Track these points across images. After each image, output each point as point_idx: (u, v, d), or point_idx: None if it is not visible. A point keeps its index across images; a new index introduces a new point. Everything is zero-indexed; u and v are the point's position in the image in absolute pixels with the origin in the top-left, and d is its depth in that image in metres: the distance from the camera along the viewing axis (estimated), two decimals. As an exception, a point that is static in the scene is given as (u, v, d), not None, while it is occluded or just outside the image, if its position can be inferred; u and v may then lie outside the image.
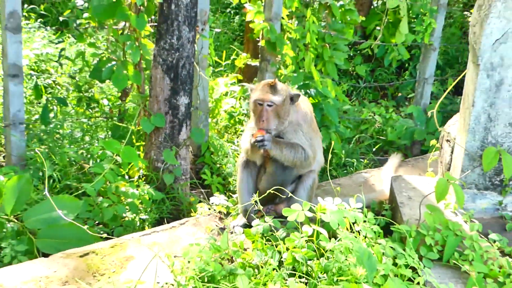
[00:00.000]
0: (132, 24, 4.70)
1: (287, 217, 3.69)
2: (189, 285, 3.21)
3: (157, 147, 5.01)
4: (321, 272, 3.44)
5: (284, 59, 6.35)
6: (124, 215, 4.60)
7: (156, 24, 4.89)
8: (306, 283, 3.41)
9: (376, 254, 3.41)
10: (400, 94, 9.21)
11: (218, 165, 5.82)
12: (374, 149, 7.22)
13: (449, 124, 4.67)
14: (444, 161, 4.59)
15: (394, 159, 5.87)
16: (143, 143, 5.20)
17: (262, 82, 4.28)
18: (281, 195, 4.06)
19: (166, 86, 4.86)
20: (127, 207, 4.63)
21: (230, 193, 5.48)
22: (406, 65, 9.59)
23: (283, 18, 6.35)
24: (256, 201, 3.74)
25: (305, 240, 3.57)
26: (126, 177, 4.98)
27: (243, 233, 3.95)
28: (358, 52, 9.30)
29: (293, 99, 4.26)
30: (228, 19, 10.21)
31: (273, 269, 3.46)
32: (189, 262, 3.36)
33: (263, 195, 3.84)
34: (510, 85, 3.98)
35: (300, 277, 3.44)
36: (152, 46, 5.01)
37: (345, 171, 6.41)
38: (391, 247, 3.59)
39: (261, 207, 3.86)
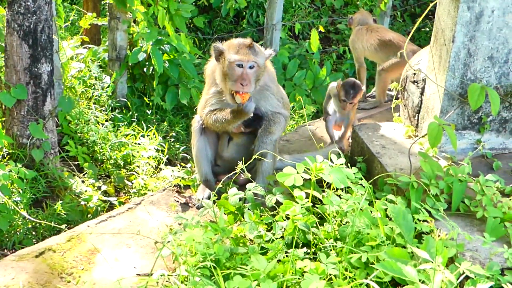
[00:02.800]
0: (-22, -13, 4.33)
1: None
2: (193, 275, 2.90)
3: (20, 121, 4.69)
4: (328, 239, 3.31)
5: (135, 16, 6.21)
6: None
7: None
8: (313, 253, 3.26)
9: (380, 212, 3.25)
10: (240, 44, 9.40)
11: (79, 134, 5.60)
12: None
13: (412, 64, 4.54)
14: (410, 104, 4.49)
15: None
16: (3, 118, 4.86)
17: (235, 43, 4.09)
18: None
19: (25, 54, 4.54)
20: (-3, 189, 4.31)
21: (96, 163, 5.36)
22: (243, 13, 9.77)
23: (130, -29, 6.17)
24: (242, 169, 3.56)
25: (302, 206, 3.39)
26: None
27: (214, 205, 3.69)
28: (193, 3, 9.28)
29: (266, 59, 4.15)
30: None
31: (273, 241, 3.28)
32: (178, 246, 3.05)
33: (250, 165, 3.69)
34: (490, 16, 3.87)
35: (303, 247, 3.32)
36: (3, 11, 4.65)
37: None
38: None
39: (248, 176, 3.68)
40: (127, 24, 6.25)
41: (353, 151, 4.63)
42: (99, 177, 5.22)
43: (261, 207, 3.74)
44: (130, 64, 6.43)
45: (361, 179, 3.63)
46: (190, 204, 4.31)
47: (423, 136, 4.08)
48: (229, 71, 4.03)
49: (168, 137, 6.05)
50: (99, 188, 4.86)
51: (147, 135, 5.77)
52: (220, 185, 3.81)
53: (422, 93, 4.34)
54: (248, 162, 3.67)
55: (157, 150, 5.54)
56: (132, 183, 5.11)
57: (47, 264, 3.46)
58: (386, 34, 6.42)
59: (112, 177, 5.22)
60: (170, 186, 4.56)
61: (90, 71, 6.59)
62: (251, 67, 4.02)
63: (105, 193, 4.89)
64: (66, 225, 4.19)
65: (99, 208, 4.63)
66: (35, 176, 4.62)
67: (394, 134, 4.48)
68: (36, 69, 4.62)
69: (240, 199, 3.76)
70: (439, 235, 3.17)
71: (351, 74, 8.53)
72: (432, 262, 2.68)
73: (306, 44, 8.55)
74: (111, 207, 4.75)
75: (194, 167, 4.59)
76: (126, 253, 3.63)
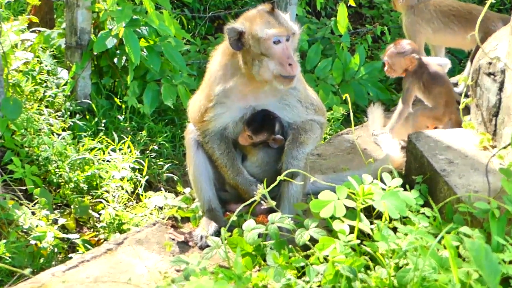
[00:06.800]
0: None
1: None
2: None
3: None
4: None
5: (101, -13, 6.20)
6: None
7: None
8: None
9: (450, 250, 3.09)
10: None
11: (27, 149, 5.60)
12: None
13: (485, 50, 4.49)
14: (484, 104, 4.48)
15: (376, 111, 5.92)
16: None
17: (256, 14, 4.10)
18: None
19: (-46, 41, 4.50)
20: None
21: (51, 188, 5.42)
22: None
23: None
24: (264, 196, 3.58)
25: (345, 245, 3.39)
26: None
27: (223, 244, 3.67)
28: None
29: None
30: None
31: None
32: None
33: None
34: None
35: None
36: None
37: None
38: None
39: (273, 204, 3.69)
40: (91, -1, 6.26)
41: (409, 168, 4.63)
42: (54, 206, 5.27)
43: (289, 246, 3.76)
44: (95, 54, 6.45)
45: (423, 206, 3.67)
46: (190, 243, 4.36)
47: (504, 148, 4.08)
48: (266, 51, 4.01)
49: (147, 152, 6.09)
50: (55, 221, 4.91)
51: (120, 149, 5.79)
52: (234, 217, 3.75)
53: (500, 89, 4.30)
54: (272, 186, 3.64)
55: (134, 170, 5.57)
56: (100, 215, 5.13)
57: (0, 328, 3.48)
58: (461, 6, 6.26)
59: (72, 206, 5.23)
60: (163, 219, 4.58)
61: (40, 63, 6.67)
62: (287, 40, 4.05)
63: (64, 228, 4.93)
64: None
65: (55, 250, 4.65)
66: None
67: (464, 144, 4.47)
68: (-30, 61, 4.59)
69: (260, 236, 3.75)
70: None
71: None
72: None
73: (331, 24, 8.50)
74: (72, 247, 4.84)
75: (194, 192, 4.71)
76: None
